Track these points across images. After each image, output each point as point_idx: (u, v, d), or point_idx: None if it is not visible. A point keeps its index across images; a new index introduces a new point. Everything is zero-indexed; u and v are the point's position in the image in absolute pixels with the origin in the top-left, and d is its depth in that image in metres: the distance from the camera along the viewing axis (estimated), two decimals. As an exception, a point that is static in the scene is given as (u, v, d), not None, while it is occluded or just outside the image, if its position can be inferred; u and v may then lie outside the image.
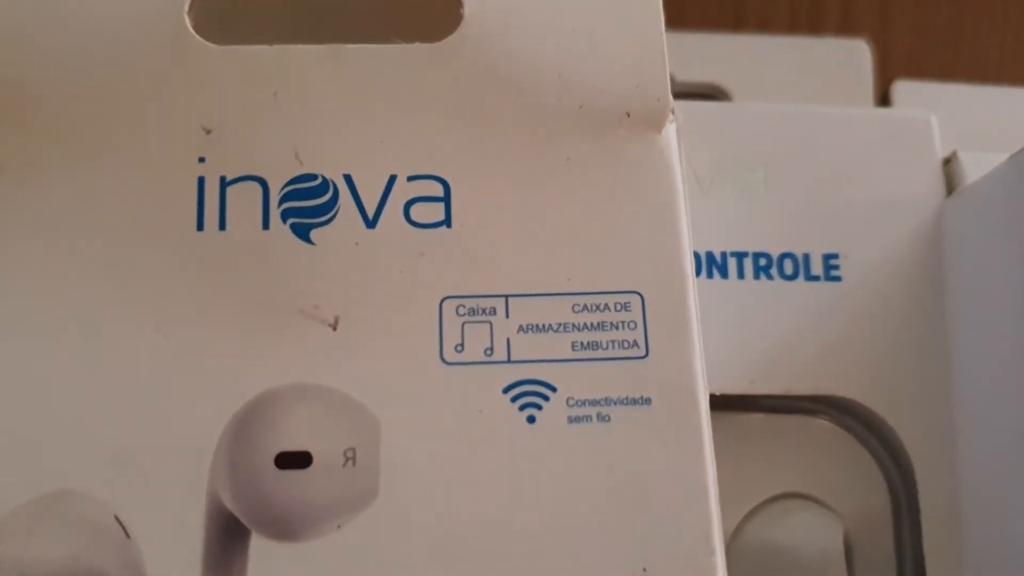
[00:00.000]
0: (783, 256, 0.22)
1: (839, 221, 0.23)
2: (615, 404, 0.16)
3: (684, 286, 0.16)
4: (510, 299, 0.16)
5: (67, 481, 0.15)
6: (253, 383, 0.15)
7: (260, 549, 0.15)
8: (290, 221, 0.16)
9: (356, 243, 0.16)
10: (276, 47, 0.17)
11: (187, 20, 0.17)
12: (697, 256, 0.22)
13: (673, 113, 0.17)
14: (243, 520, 0.15)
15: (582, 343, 0.16)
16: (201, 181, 0.17)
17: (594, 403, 0.16)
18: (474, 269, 0.16)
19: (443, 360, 0.16)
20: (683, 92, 0.30)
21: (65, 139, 0.17)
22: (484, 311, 0.16)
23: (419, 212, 0.17)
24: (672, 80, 0.18)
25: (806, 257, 0.22)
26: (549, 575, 0.15)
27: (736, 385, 0.22)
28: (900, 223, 0.23)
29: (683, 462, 0.15)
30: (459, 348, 0.16)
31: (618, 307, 0.16)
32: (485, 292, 0.16)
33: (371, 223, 0.16)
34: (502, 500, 0.15)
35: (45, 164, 0.16)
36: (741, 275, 0.22)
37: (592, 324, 0.16)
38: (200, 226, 0.16)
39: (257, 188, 0.17)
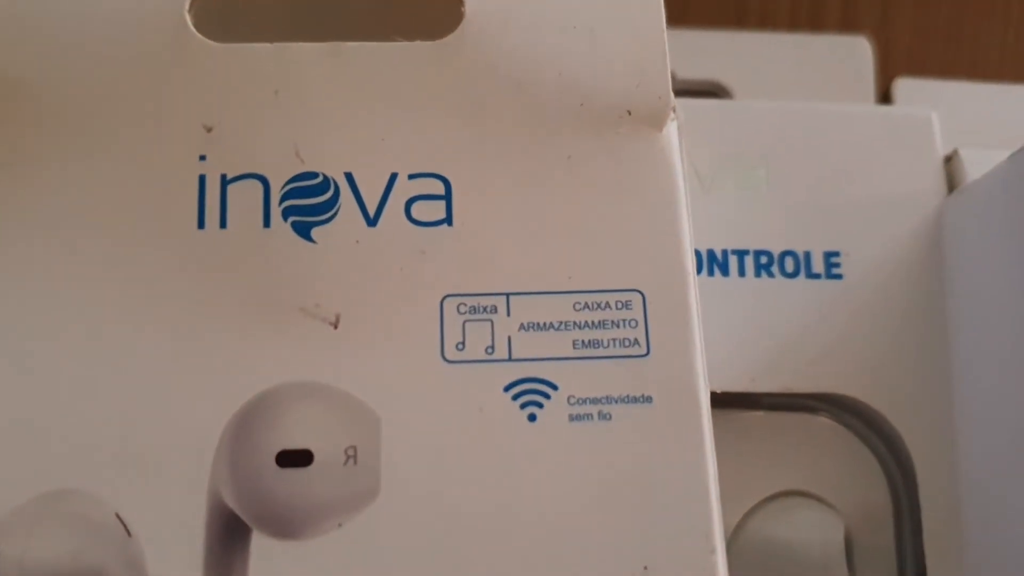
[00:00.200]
0: (784, 254, 0.22)
1: (840, 219, 0.23)
2: (616, 402, 0.16)
3: (685, 284, 0.16)
4: (511, 297, 0.16)
5: (68, 480, 0.15)
6: (254, 381, 0.15)
7: (261, 547, 0.15)
8: (291, 219, 0.16)
9: (357, 241, 0.16)
10: (277, 45, 0.17)
11: (188, 18, 0.17)
12: (698, 254, 0.22)
13: (674, 111, 0.17)
14: (244, 518, 0.15)
15: (583, 341, 0.16)
16: (202, 179, 0.17)
17: (595, 401, 0.16)
18: (475, 267, 0.16)
19: (444, 358, 0.16)
20: (684, 89, 0.30)
21: (66, 137, 0.17)
22: (485, 309, 0.16)
23: (420, 210, 0.17)
24: (673, 77, 0.18)
25: (807, 255, 0.22)
26: (550, 573, 0.15)
27: (737, 383, 0.22)
28: (901, 221, 0.23)
29: (684, 460, 0.15)
30: (460, 346, 0.16)
31: (619, 305, 0.16)
32: (486, 290, 0.16)
33: (372, 221, 0.16)
34: (503, 498, 0.15)
35: (45, 162, 0.16)
36: (742, 273, 0.22)
37: (593, 322, 0.16)
38: (201, 224, 0.16)
39: (258, 186, 0.17)
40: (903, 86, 0.32)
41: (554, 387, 0.16)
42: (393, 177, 0.17)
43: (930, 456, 0.21)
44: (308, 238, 0.16)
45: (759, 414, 0.22)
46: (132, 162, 0.17)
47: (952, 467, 0.21)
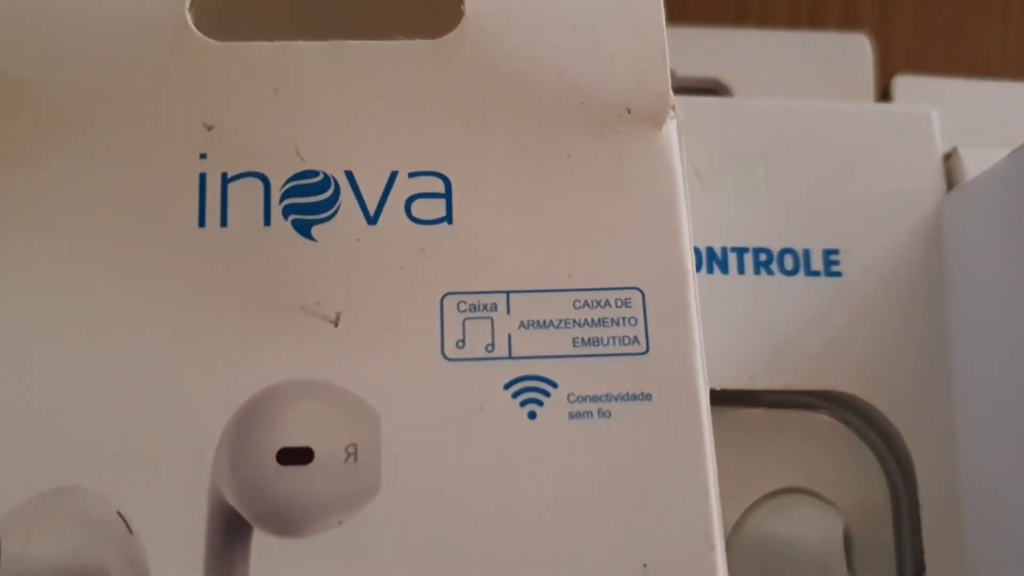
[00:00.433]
0: (783, 252, 0.22)
1: (839, 217, 0.23)
2: (616, 400, 0.16)
3: (685, 282, 0.16)
4: (511, 295, 0.16)
5: (70, 478, 0.15)
6: (254, 379, 0.16)
7: (262, 544, 0.15)
8: (291, 217, 0.16)
9: (357, 239, 0.16)
10: (277, 44, 0.17)
11: (188, 17, 0.17)
12: (698, 252, 0.22)
13: (674, 109, 0.17)
14: (245, 516, 0.15)
15: (583, 339, 0.16)
16: (202, 178, 0.17)
17: (595, 399, 0.16)
18: (475, 265, 0.16)
19: (444, 356, 0.16)
20: (684, 87, 0.30)
21: (66, 136, 0.17)
22: (485, 307, 0.16)
23: (420, 208, 0.17)
24: (672, 75, 0.18)
25: (806, 253, 0.22)
26: (550, 571, 0.15)
27: (736, 380, 0.22)
28: (900, 218, 0.23)
29: (683, 457, 0.16)
30: (460, 344, 0.16)
31: (619, 303, 0.16)
32: (486, 288, 0.16)
33: (372, 219, 0.17)
34: (503, 496, 0.15)
35: (46, 161, 0.16)
36: (741, 271, 0.22)
37: (593, 320, 0.16)
38: (201, 223, 0.16)
39: (258, 184, 0.17)
40: (903, 84, 0.32)
41: (554, 385, 0.16)
42: (393, 175, 0.17)
43: (929, 453, 0.21)
44: (308, 236, 0.16)
45: (758, 411, 0.22)
46: (133, 161, 0.17)
47: (951, 464, 0.21)
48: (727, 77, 0.31)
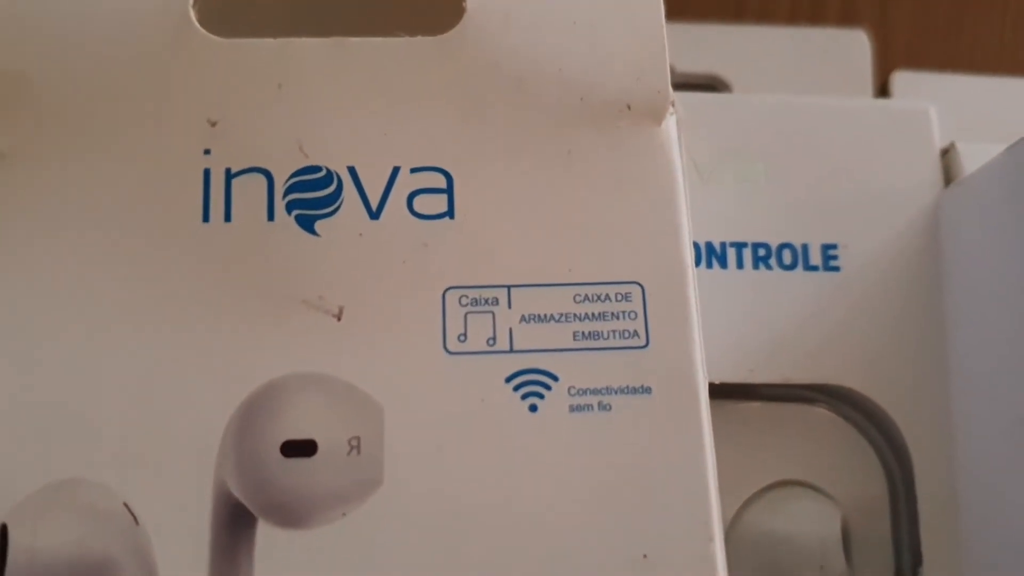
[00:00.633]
0: (782, 246, 0.23)
1: (838, 212, 0.23)
2: (616, 393, 0.16)
3: (684, 276, 0.17)
4: (512, 289, 0.16)
5: (76, 470, 0.15)
6: (258, 373, 0.16)
7: (266, 536, 0.15)
8: (295, 213, 0.17)
9: (360, 234, 0.17)
10: (280, 40, 0.17)
11: (192, 14, 0.17)
12: (697, 246, 0.22)
13: (673, 105, 0.17)
14: (249, 508, 0.15)
15: (583, 333, 0.16)
16: (206, 173, 0.17)
17: (595, 392, 0.16)
18: (476, 260, 0.16)
19: (446, 350, 0.16)
20: (683, 83, 0.30)
21: (70, 132, 0.17)
22: (486, 301, 0.16)
23: (422, 204, 0.17)
24: (672, 71, 0.18)
25: (805, 247, 0.23)
26: (551, 562, 0.15)
27: (735, 374, 0.22)
28: (898, 214, 0.23)
29: (683, 450, 0.16)
30: (462, 338, 0.16)
31: (619, 297, 0.16)
32: (487, 283, 0.16)
33: (375, 214, 0.17)
34: (504, 488, 0.15)
35: (49, 157, 0.17)
36: (740, 265, 0.22)
37: (593, 314, 0.16)
38: (206, 218, 0.16)
39: (262, 180, 0.17)
40: (901, 79, 0.32)
41: (555, 378, 0.16)
42: (395, 171, 0.17)
43: (927, 447, 0.22)
44: (312, 231, 0.16)
45: (757, 405, 0.22)
46: (137, 157, 0.17)
47: (949, 457, 0.21)
48: (726, 73, 0.31)
